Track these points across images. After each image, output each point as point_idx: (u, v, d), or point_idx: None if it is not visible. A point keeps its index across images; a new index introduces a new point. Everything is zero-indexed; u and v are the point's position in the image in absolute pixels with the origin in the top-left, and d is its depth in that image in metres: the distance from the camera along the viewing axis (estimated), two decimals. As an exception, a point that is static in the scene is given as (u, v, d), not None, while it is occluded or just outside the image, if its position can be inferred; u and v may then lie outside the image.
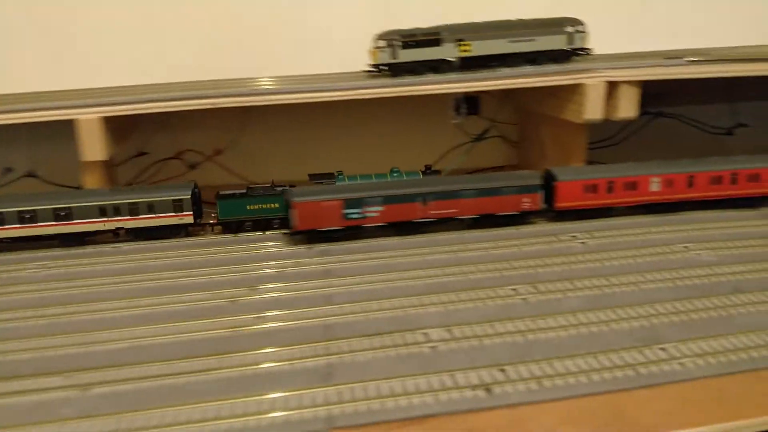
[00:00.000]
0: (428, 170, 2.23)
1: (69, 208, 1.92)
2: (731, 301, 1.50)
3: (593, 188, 2.01)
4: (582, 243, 1.88)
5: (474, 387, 1.18)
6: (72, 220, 1.93)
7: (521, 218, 2.01)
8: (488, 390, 1.17)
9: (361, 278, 1.68)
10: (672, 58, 2.24)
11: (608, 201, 2.02)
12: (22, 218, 1.92)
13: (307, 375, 1.24)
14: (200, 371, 1.26)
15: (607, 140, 2.72)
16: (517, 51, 2.19)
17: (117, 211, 1.94)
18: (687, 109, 2.76)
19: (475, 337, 1.36)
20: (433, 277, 1.68)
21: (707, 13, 2.85)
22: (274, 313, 1.49)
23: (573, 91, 2.15)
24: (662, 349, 1.30)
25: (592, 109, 2.11)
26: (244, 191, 2.05)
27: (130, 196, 1.96)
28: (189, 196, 1.97)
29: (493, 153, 2.82)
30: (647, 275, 1.65)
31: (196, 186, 2.06)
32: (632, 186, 2.02)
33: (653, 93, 2.74)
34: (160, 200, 1.95)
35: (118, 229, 1.97)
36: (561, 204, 2.01)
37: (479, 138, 2.72)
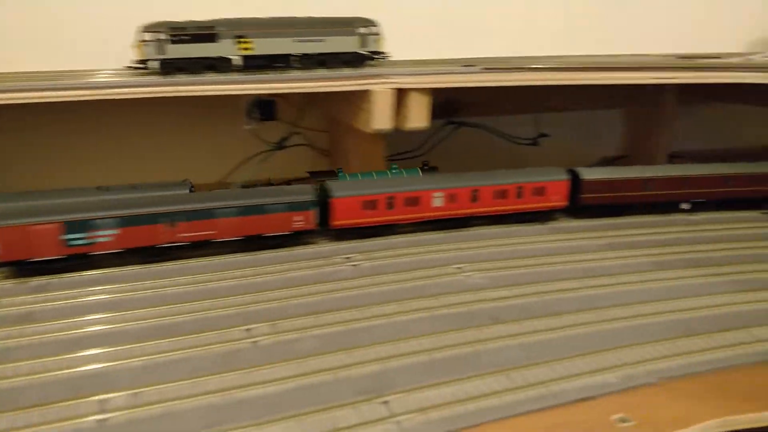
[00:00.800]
0: (425, 166, 2.11)
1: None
2: (485, 334, 1.35)
3: (372, 204, 1.82)
4: (354, 266, 1.69)
5: (123, 479, 0.91)
6: None
7: (295, 239, 1.79)
8: (139, 482, 0.91)
9: (66, 323, 1.35)
10: (468, 66, 2.13)
11: (389, 218, 1.85)
12: None
13: None
14: None
15: (412, 151, 2.59)
16: (306, 52, 1.98)
17: None
18: (496, 120, 2.70)
19: (165, 402, 1.09)
20: (158, 318, 1.39)
21: (523, 23, 2.81)
22: None
23: (363, 98, 1.96)
24: (385, 402, 1.11)
25: (381, 118, 1.93)
26: None
27: (118, 196, 1.69)
28: None
29: (300, 162, 2.58)
30: (408, 304, 1.47)
31: (192, 185, 1.82)
32: (414, 201, 1.86)
33: (465, 102, 2.68)
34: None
35: None
36: (338, 222, 1.81)
37: (279, 146, 2.48)
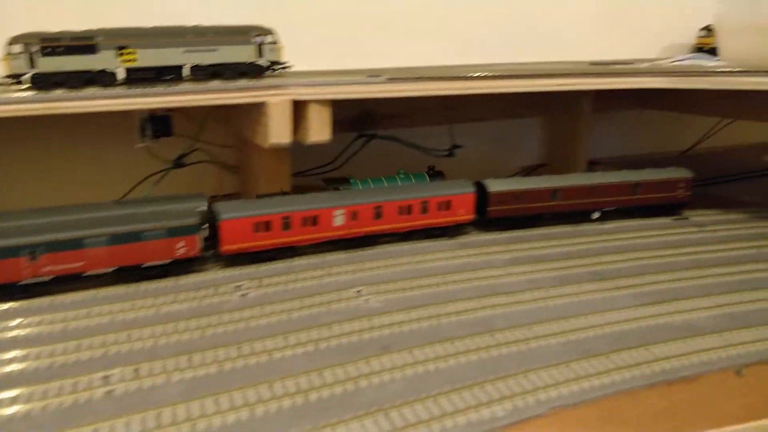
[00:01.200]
0: (431, 171, 2.15)
1: None
2: (371, 366, 1.24)
3: (266, 226, 1.69)
4: (243, 295, 1.55)
5: None
6: None
7: (180, 267, 1.64)
8: None
9: None
10: (373, 76, 2.04)
11: (285, 240, 1.72)
12: None
13: None
14: None
15: (323, 166, 2.48)
16: (197, 63, 1.85)
17: None
18: (413, 131, 2.61)
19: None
20: (6, 364, 1.23)
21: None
22: None
23: (259, 111, 1.84)
24: (242, 458, 0.98)
25: (278, 132, 1.81)
26: None
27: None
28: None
29: (204, 180, 2.43)
30: (294, 336, 1.35)
31: (208, 199, 1.79)
32: (313, 221, 1.74)
33: (381, 113, 2.59)
34: None
35: None
36: (228, 247, 1.67)
37: (178, 164, 2.32)
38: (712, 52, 2.77)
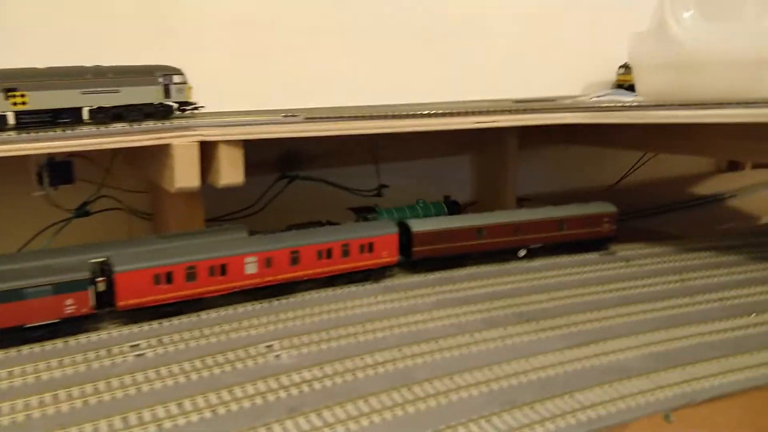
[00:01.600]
0: (448, 200, 2.19)
1: None
2: (273, 434, 1.11)
3: (168, 277, 1.55)
4: (138, 356, 1.39)
5: None
6: None
7: (70, 327, 1.46)
8: None
9: None
10: (290, 116, 1.95)
11: (190, 292, 1.57)
12: None
13: None
14: None
15: (248, 208, 2.36)
16: (97, 104, 1.72)
17: None
18: (342, 171, 2.53)
19: None
20: None
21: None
22: None
23: (165, 153, 1.72)
24: None
25: (184, 175, 1.70)
26: None
27: None
28: None
29: (115, 228, 2.26)
30: (189, 402, 1.20)
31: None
32: (221, 270, 1.61)
33: (308, 154, 2.50)
34: None
35: None
36: (125, 302, 1.51)
37: (82, 212, 2.15)
38: (631, 88, 2.85)
